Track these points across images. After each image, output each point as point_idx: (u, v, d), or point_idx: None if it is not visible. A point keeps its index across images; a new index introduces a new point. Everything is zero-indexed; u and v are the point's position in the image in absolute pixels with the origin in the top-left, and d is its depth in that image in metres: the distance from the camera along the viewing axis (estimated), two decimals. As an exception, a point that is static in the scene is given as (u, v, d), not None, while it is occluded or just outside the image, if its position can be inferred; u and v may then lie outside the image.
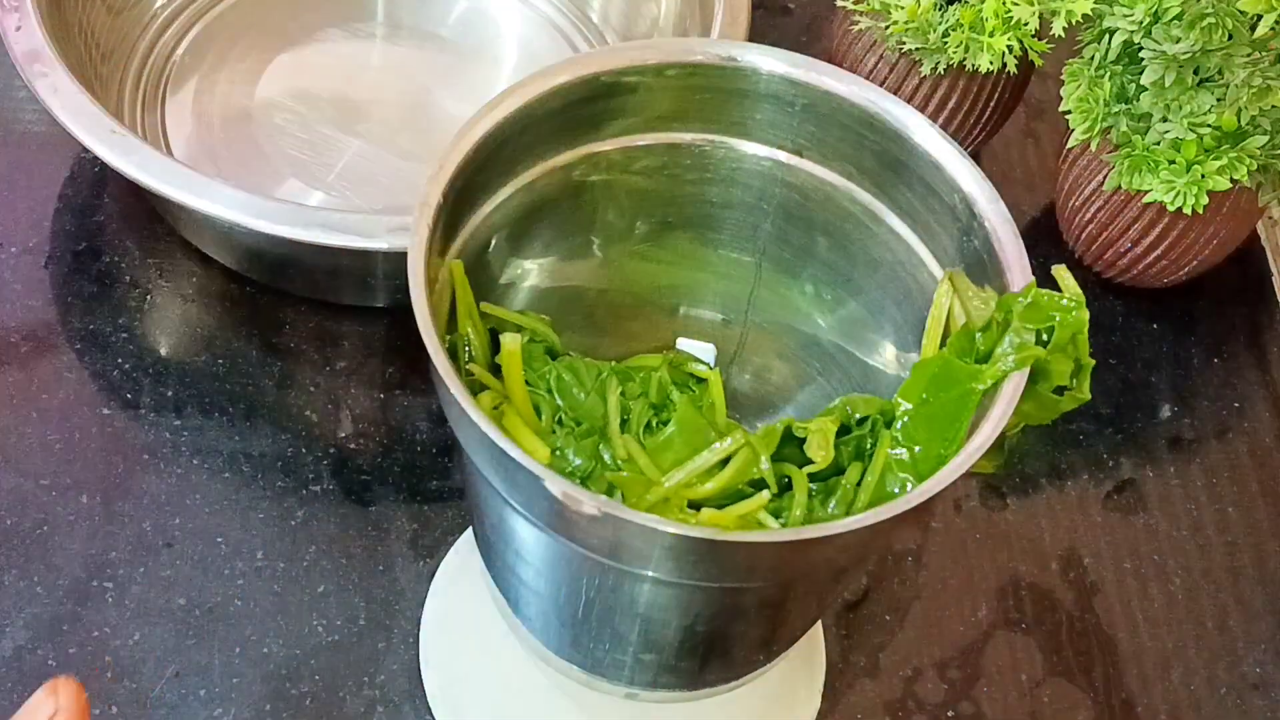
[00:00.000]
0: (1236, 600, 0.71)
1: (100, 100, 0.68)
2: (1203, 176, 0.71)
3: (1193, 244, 0.75)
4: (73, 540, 0.66)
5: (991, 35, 0.73)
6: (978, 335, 0.50)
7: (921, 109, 0.75)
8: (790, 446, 0.54)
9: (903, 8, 0.75)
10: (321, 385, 0.72)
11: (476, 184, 0.52)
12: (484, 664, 0.63)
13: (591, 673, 0.55)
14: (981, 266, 0.51)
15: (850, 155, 0.55)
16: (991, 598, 0.69)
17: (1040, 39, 0.73)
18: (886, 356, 0.56)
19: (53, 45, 0.69)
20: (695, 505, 0.52)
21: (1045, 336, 0.49)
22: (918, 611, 0.69)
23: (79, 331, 0.72)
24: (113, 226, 0.76)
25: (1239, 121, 0.70)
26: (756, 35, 0.77)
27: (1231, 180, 0.70)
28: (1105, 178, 0.75)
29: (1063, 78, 0.74)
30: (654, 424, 0.54)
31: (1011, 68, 0.74)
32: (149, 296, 0.74)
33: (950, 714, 0.66)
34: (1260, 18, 0.66)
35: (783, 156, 0.56)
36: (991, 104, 0.78)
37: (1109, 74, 0.73)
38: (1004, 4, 0.72)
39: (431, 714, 0.63)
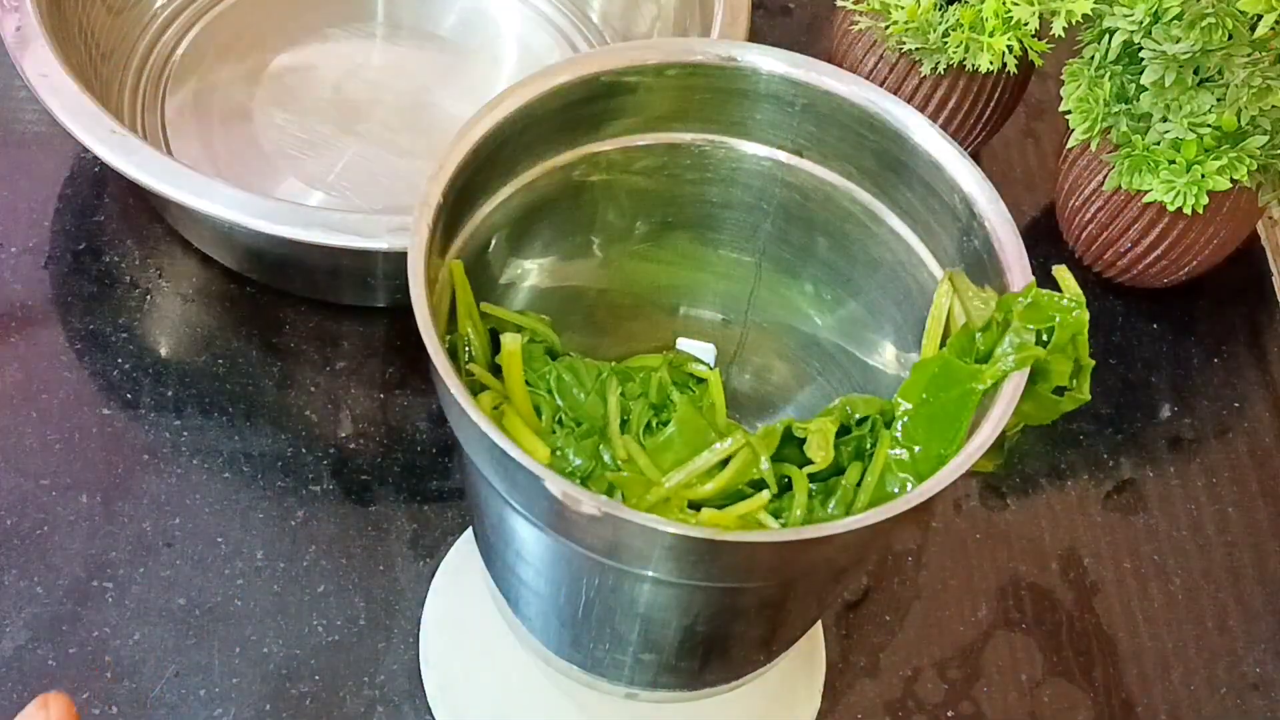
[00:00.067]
0: (1236, 600, 0.71)
1: (100, 100, 0.68)
2: (1203, 176, 0.71)
3: (1193, 244, 0.75)
4: (73, 540, 0.66)
5: (991, 35, 0.73)
6: (978, 335, 0.50)
7: (921, 109, 0.75)
8: (790, 447, 0.54)
9: (903, 8, 0.75)
10: (321, 385, 0.72)
11: (476, 184, 0.52)
12: (484, 664, 0.63)
13: (591, 673, 0.55)
14: (981, 266, 0.51)
15: (850, 155, 0.55)
16: (991, 598, 0.69)
17: (1040, 39, 0.73)
18: (886, 356, 0.56)
19: (53, 45, 0.69)
20: (695, 506, 0.52)
21: (1045, 337, 0.49)
22: (918, 611, 0.69)
23: (79, 331, 0.72)
24: (113, 226, 0.76)
25: (1239, 121, 0.70)
26: (756, 35, 0.77)
27: (1231, 180, 0.70)
28: (1105, 178, 0.75)
29: (1063, 78, 0.74)
30: (654, 424, 0.54)
31: (1011, 68, 0.74)
32: (149, 296, 0.74)
33: (950, 714, 0.66)
34: (1260, 18, 0.66)
35: (783, 156, 0.56)
36: (991, 104, 0.78)
37: (1109, 74, 0.73)
38: (1004, 4, 0.72)
39: (431, 714, 0.63)
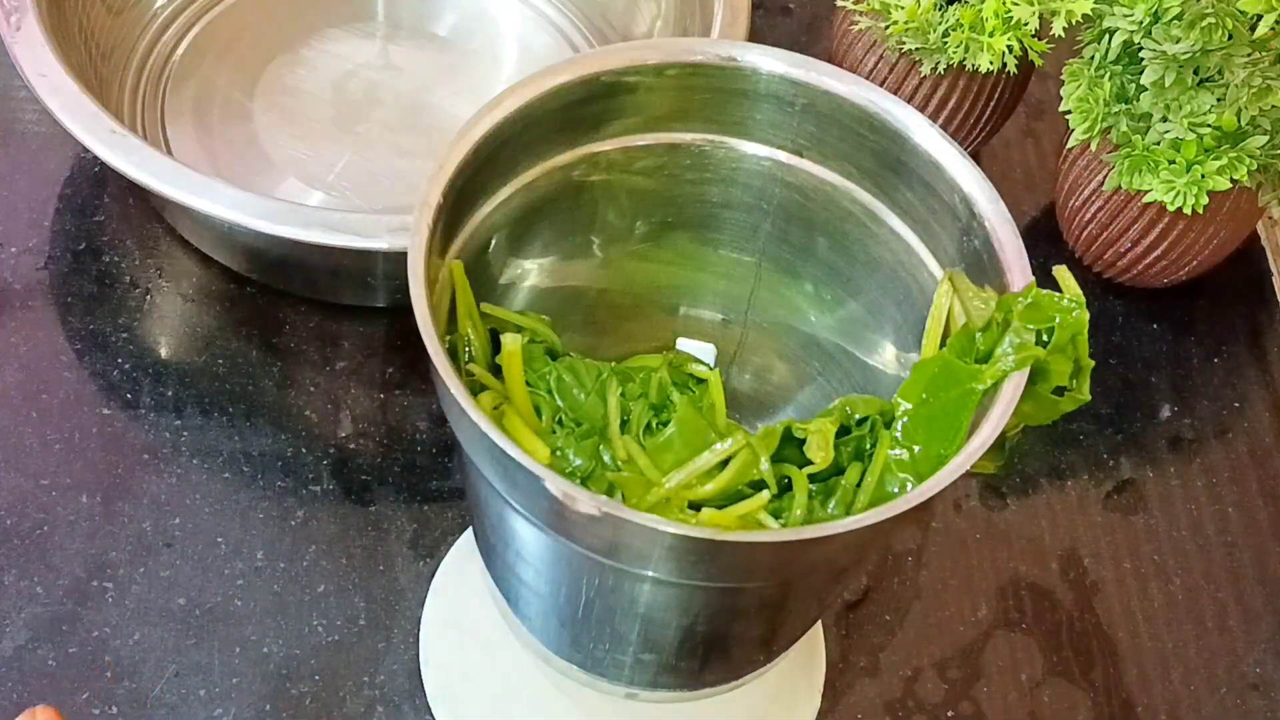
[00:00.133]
0: (1236, 600, 0.71)
1: (100, 100, 0.68)
2: (1203, 176, 0.71)
3: (1193, 244, 0.75)
4: (73, 540, 0.66)
5: (991, 35, 0.73)
6: (978, 335, 0.50)
7: (921, 109, 0.75)
8: (790, 447, 0.54)
9: (903, 8, 0.75)
10: (321, 385, 0.72)
11: (476, 184, 0.52)
12: (484, 664, 0.63)
13: (591, 673, 0.55)
14: (981, 266, 0.51)
15: (850, 155, 0.55)
16: (991, 598, 0.69)
17: (1040, 39, 0.73)
18: (886, 356, 0.56)
19: (53, 45, 0.69)
20: (695, 506, 0.52)
21: (1045, 337, 0.49)
22: (918, 611, 0.69)
23: (79, 331, 0.72)
24: (113, 226, 0.76)
25: (1239, 121, 0.70)
26: (756, 35, 0.77)
27: (1231, 180, 0.70)
28: (1105, 178, 0.75)
29: (1063, 78, 0.74)
30: (654, 425, 0.54)
31: (1011, 68, 0.74)
32: (149, 296, 0.74)
33: (950, 714, 0.66)
34: (1260, 18, 0.66)
35: (783, 156, 0.56)
36: (991, 104, 0.78)
37: (1109, 74, 0.73)
38: (1004, 4, 0.72)
39: (431, 714, 0.63)
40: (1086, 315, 0.49)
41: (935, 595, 0.69)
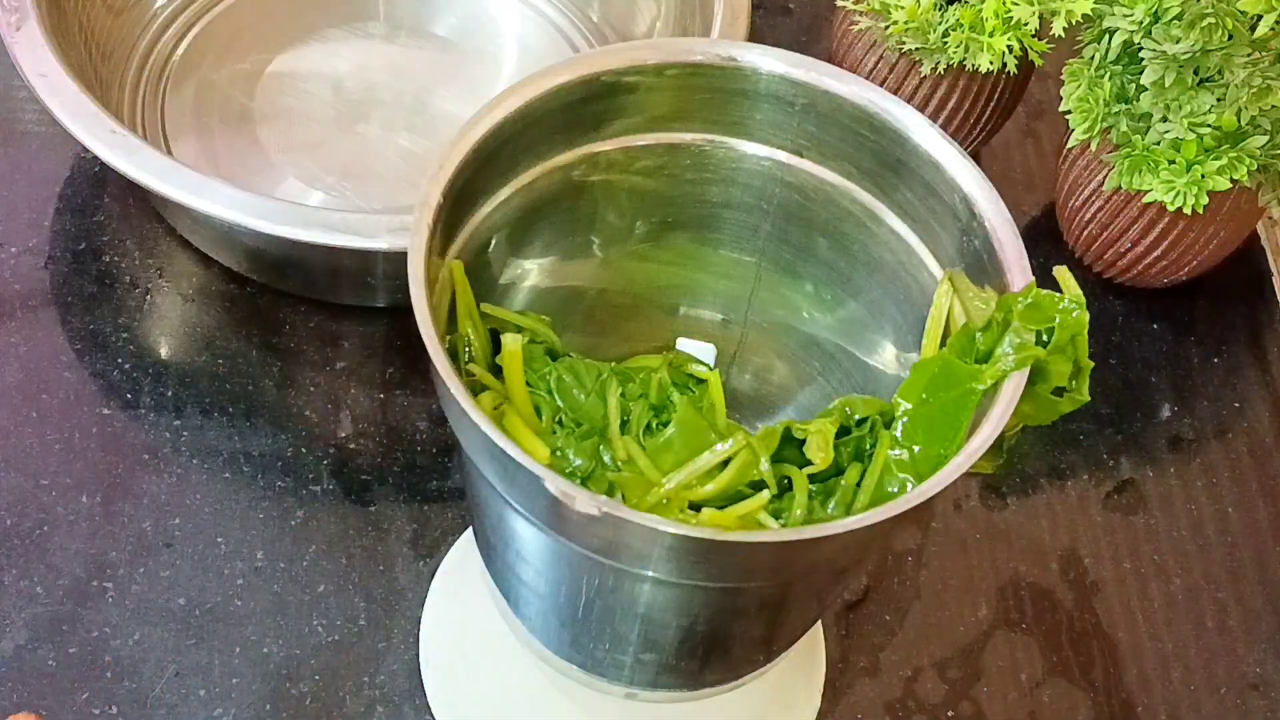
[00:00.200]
0: (1236, 600, 0.71)
1: (100, 100, 0.68)
2: (1203, 176, 0.71)
3: (1193, 244, 0.75)
4: (73, 540, 0.66)
5: (991, 35, 0.73)
6: (978, 335, 0.50)
7: (921, 109, 0.75)
8: (790, 448, 0.54)
9: (903, 8, 0.75)
10: (321, 385, 0.72)
11: (476, 184, 0.52)
12: (484, 664, 0.63)
13: (591, 673, 0.55)
14: (981, 266, 0.51)
15: (850, 155, 0.55)
16: (991, 598, 0.69)
17: (1040, 39, 0.73)
18: (886, 356, 0.56)
19: (53, 45, 0.69)
20: (695, 506, 0.52)
21: (1045, 337, 0.49)
22: (918, 611, 0.69)
23: (79, 331, 0.72)
24: (113, 226, 0.76)
25: (1239, 121, 0.70)
26: (756, 35, 0.77)
27: (1231, 180, 0.70)
28: (1105, 178, 0.75)
29: (1063, 78, 0.74)
30: (654, 425, 0.54)
31: (1011, 68, 0.74)
32: (149, 296, 0.74)
33: (950, 714, 0.66)
34: (1260, 18, 0.66)
35: (783, 156, 0.56)
36: (991, 104, 0.78)
37: (1109, 74, 0.73)
38: (1004, 4, 0.72)
39: (431, 714, 0.63)
40: (1086, 316, 0.49)
41: (935, 595, 0.69)
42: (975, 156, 0.82)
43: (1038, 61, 0.75)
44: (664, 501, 0.51)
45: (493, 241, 0.55)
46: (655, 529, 0.43)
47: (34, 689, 0.62)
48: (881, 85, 0.71)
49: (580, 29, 0.87)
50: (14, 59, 0.69)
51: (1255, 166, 0.71)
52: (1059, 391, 0.49)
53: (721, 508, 0.52)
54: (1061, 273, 0.50)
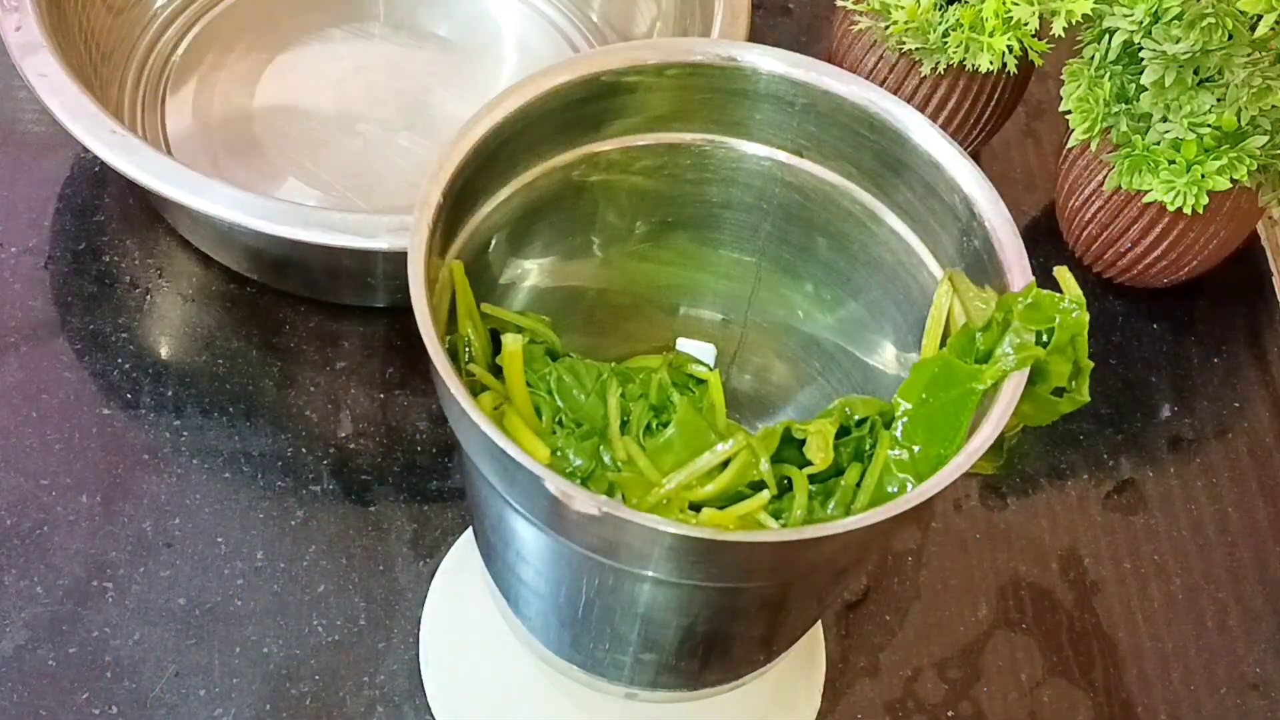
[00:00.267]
0: (1236, 600, 0.71)
1: (100, 100, 0.68)
2: (1203, 176, 0.71)
3: (1193, 244, 0.75)
4: (73, 540, 0.66)
5: (991, 35, 0.73)
6: (978, 335, 0.50)
7: (921, 109, 0.75)
8: (790, 448, 0.54)
9: (903, 8, 0.75)
10: (321, 385, 0.72)
11: (476, 184, 0.52)
12: (484, 664, 0.63)
13: (591, 673, 0.55)
14: (981, 266, 0.51)
15: (850, 155, 0.55)
16: (991, 598, 0.69)
17: (1040, 39, 0.73)
18: (886, 356, 0.56)
19: (53, 45, 0.69)
20: (695, 507, 0.52)
21: (1045, 337, 0.49)
22: (918, 611, 0.69)
23: (79, 331, 0.72)
24: (113, 226, 0.76)
25: (1239, 121, 0.70)
26: (756, 35, 0.77)
27: (1231, 180, 0.70)
28: (1105, 178, 0.75)
29: (1063, 78, 0.74)
30: (654, 426, 0.54)
31: (1011, 68, 0.74)
32: (149, 296, 0.74)
33: (950, 714, 0.66)
34: (1260, 18, 0.66)
35: (783, 156, 0.56)
36: (991, 104, 0.78)
37: (1109, 74, 0.73)
38: (1004, 4, 0.72)
39: (431, 714, 0.63)
40: (1086, 316, 0.49)
41: (935, 595, 0.69)
42: (975, 156, 0.82)
43: (1038, 61, 0.75)
44: (664, 502, 0.51)
45: (493, 241, 0.55)
46: (655, 529, 0.43)
47: (34, 689, 0.62)
48: (881, 85, 0.71)
49: (580, 29, 0.87)
50: (14, 59, 0.69)
51: (1255, 166, 0.71)
52: (1059, 392, 0.49)
53: (721, 508, 0.52)
54: (1061, 273, 0.50)
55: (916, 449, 0.51)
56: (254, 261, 0.73)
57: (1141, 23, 0.69)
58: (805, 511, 0.52)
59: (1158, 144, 0.72)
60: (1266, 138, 0.70)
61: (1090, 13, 0.70)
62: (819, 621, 0.65)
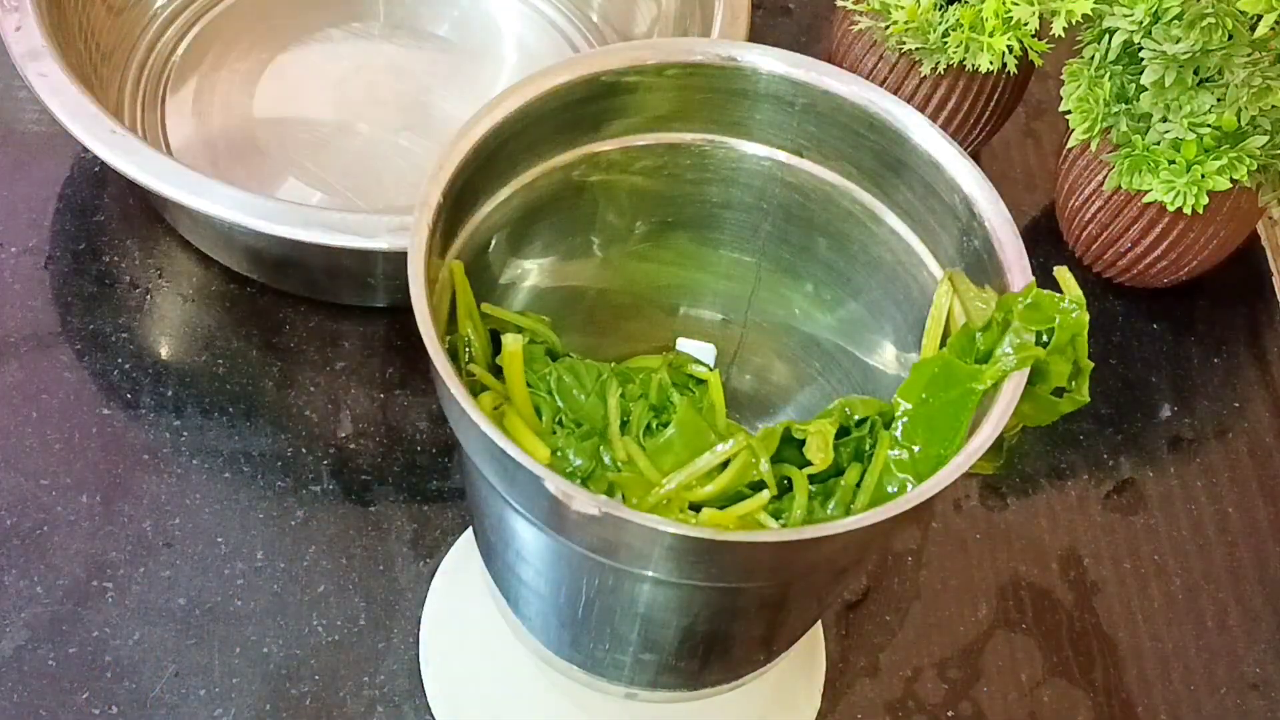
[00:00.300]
0: (1236, 600, 0.71)
1: (100, 100, 0.68)
2: (1203, 176, 0.71)
3: (1193, 244, 0.75)
4: (73, 540, 0.66)
5: (991, 35, 0.73)
6: (978, 335, 0.50)
7: (921, 109, 0.75)
8: (790, 448, 0.54)
9: (903, 8, 0.75)
10: (321, 385, 0.72)
11: (476, 184, 0.52)
12: (484, 664, 0.63)
13: (591, 673, 0.55)
14: (981, 266, 0.51)
15: (850, 155, 0.55)
16: (991, 598, 0.69)
17: (1040, 39, 0.73)
18: (886, 357, 0.56)
19: (53, 45, 0.69)
20: (695, 507, 0.52)
21: (1045, 338, 0.49)
22: (918, 611, 0.69)
23: (79, 331, 0.72)
24: (113, 226, 0.76)
25: (1239, 121, 0.70)
26: (756, 35, 0.77)
27: (1231, 180, 0.70)
28: (1105, 178, 0.75)
29: (1063, 78, 0.74)
30: (654, 426, 0.54)
31: (1011, 68, 0.74)
32: (149, 296, 0.74)
33: (950, 714, 0.66)
34: (1260, 18, 0.66)
35: (783, 156, 0.56)
36: (991, 104, 0.78)
37: (1109, 74, 0.73)
38: (1004, 4, 0.72)
39: (431, 714, 0.63)
40: (1086, 317, 0.49)
41: (935, 595, 0.69)
42: (975, 156, 0.82)
43: (1038, 61, 0.75)
44: (664, 502, 0.51)
45: (493, 241, 0.55)
46: (655, 529, 0.43)
47: (34, 689, 0.62)
48: (881, 85, 0.71)
49: (580, 29, 0.87)
50: (14, 59, 0.69)
51: (1255, 166, 0.71)
52: (1059, 392, 0.49)
53: (721, 508, 0.52)
54: (1062, 273, 0.50)
55: (916, 449, 0.51)
56: (254, 261, 0.73)
57: (1141, 23, 0.69)
58: (805, 511, 0.52)
59: (1158, 144, 0.72)
60: (1266, 138, 0.70)
61: (1090, 13, 0.70)
62: (819, 621, 0.65)
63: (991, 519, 0.72)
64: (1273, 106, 0.70)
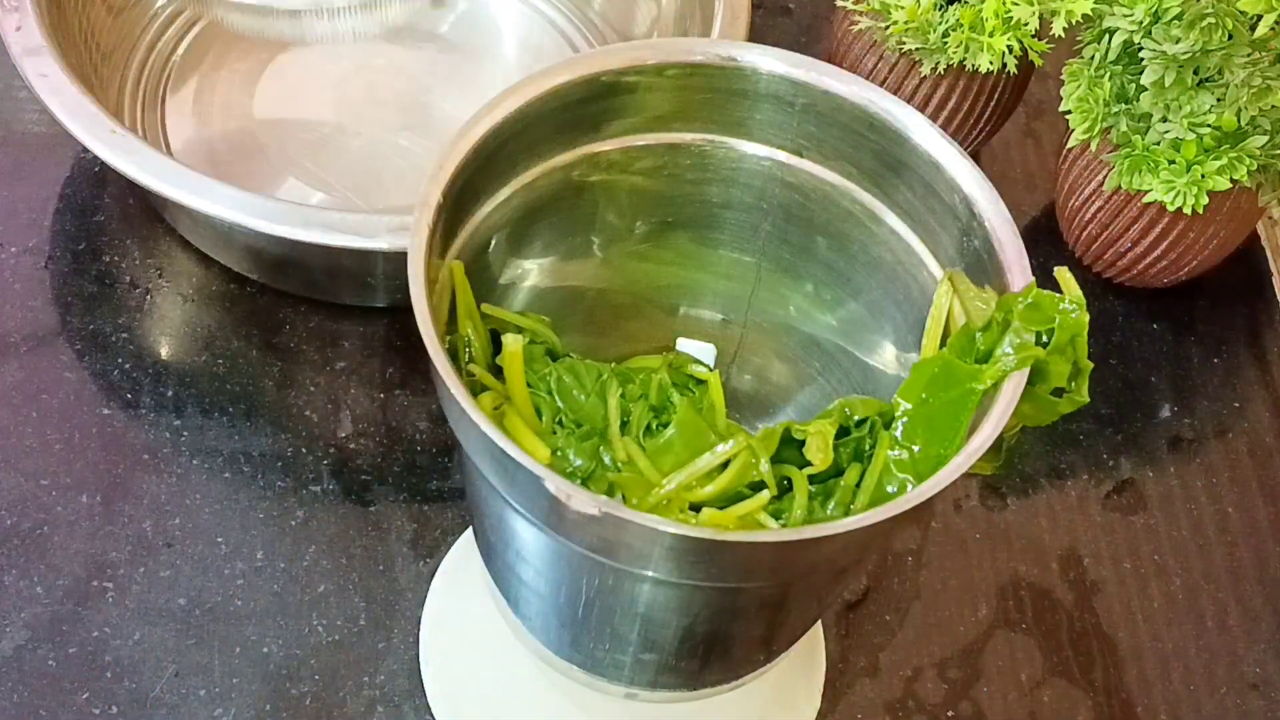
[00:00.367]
0: (1236, 600, 0.71)
1: (100, 100, 0.68)
2: (1203, 176, 0.71)
3: (1193, 244, 0.75)
4: (73, 540, 0.66)
5: (991, 35, 0.73)
6: (978, 335, 0.50)
7: (921, 109, 0.75)
8: (790, 448, 0.54)
9: (903, 8, 0.75)
10: (321, 385, 0.72)
11: (476, 184, 0.52)
12: (484, 664, 0.63)
13: (591, 673, 0.55)
14: (981, 266, 0.51)
15: (850, 155, 0.55)
16: (991, 598, 0.69)
17: (1040, 39, 0.73)
18: (886, 357, 0.56)
19: (53, 45, 0.69)
20: (695, 507, 0.52)
21: (1045, 338, 0.49)
22: (918, 611, 0.69)
23: (79, 331, 0.72)
24: (113, 226, 0.76)
25: (1239, 121, 0.70)
26: (756, 35, 0.77)
27: (1231, 180, 0.70)
28: (1105, 178, 0.75)
29: (1063, 78, 0.74)
30: (654, 426, 0.54)
31: (1011, 68, 0.74)
32: (149, 296, 0.74)
33: (950, 714, 0.66)
34: (1260, 18, 0.66)
35: (783, 156, 0.56)
36: (991, 104, 0.78)
37: (1109, 74, 0.73)
38: (1004, 4, 0.72)
39: (431, 714, 0.63)
40: (1086, 317, 0.49)
41: (935, 595, 0.69)
42: (975, 156, 0.82)
43: (1038, 61, 0.75)
44: (664, 502, 0.51)
45: (493, 241, 0.55)
46: (655, 529, 0.43)
47: (34, 689, 0.62)
48: (881, 85, 0.71)
49: (580, 29, 0.88)
50: (14, 59, 0.69)
51: (1255, 166, 0.71)
52: (1058, 392, 0.49)
53: (721, 508, 0.52)
54: (1062, 273, 0.50)
55: (916, 449, 0.51)
56: (254, 261, 0.73)
57: (1141, 23, 0.69)
58: (805, 512, 0.52)
59: (1158, 144, 0.72)
60: (1266, 138, 0.70)
61: (1090, 13, 0.70)
62: (819, 621, 0.65)
63: (991, 519, 0.72)
64: (1273, 106, 0.70)
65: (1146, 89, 0.71)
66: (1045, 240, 0.82)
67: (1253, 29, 0.67)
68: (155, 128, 0.80)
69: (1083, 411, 0.52)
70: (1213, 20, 0.67)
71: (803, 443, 0.53)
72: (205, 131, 0.80)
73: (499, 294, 0.56)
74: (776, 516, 0.52)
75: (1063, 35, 0.71)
